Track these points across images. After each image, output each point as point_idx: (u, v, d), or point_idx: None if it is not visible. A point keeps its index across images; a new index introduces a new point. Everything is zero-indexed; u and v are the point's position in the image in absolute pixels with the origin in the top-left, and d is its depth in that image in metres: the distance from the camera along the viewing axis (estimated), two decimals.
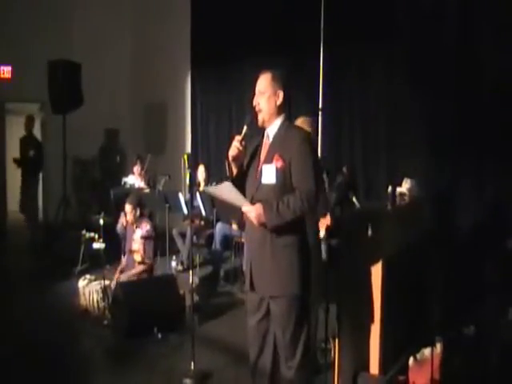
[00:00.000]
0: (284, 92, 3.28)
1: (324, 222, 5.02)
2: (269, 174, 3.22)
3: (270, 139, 3.31)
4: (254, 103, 3.32)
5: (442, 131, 6.38)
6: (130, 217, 6.22)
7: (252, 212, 3.16)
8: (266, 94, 3.28)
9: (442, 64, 6.32)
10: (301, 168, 3.12)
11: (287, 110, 3.34)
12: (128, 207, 6.21)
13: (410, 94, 6.70)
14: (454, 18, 6.34)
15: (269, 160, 3.23)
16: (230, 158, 3.29)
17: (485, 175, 6.11)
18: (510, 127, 5.75)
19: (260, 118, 3.31)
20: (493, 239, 5.59)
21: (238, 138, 3.26)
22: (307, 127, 4.33)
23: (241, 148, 3.25)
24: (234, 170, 3.34)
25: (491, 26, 6.03)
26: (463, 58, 6.24)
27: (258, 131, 3.41)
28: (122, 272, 6.21)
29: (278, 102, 3.27)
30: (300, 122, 4.44)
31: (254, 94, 3.34)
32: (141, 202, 6.42)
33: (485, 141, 5.98)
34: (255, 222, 3.16)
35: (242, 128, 3.29)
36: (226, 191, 3.29)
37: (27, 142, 9.22)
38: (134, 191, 7.80)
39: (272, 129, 3.31)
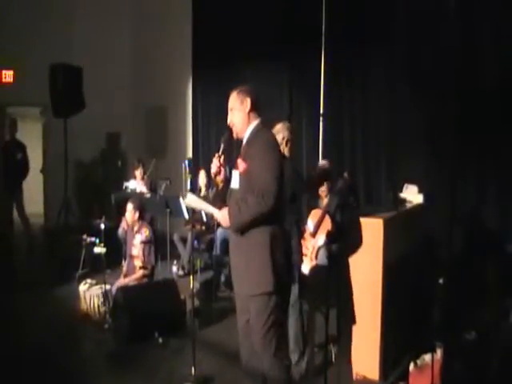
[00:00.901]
0: (251, 99, 3.41)
1: (315, 214, 5.04)
2: (235, 179, 3.37)
3: (244, 145, 3.44)
4: (229, 121, 3.50)
5: (443, 136, 6.38)
6: (129, 215, 6.22)
7: (219, 217, 3.34)
8: (235, 108, 3.45)
9: (442, 68, 6.32)
10: (259, 170, 3.17)
11: (258, 114, 3.45)
12: (129, 206, 6.23)
13: (411, 99, 6.71)
14: (455, 21, 6.34)
15: (237, 166, 3.37)
16: (212, 175, 3.49)
17: (485, 179, 6.11)
18: (510, 130, 5.76)
19: (234, 132, 3.48)
20: (493, 244, 5.60)
21: (217, 155, 3.45)
22: (287, 132, 4.43)
23: (218, 164, 3.44)
24: (220, 185, 3.52)
25: (492, 29, 6.05)
26: (464, 62, 6.24)
27: (238, 145, 3.53)
28: (125, 277, 6.22)
29: (247, 109, 3.40)
30: (279, 127, 4.51)
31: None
32: (142, 206, 6.43)
33: (486, 144, 5.98)
34: (224, 225, 3.34)
35: (220, 146, 3.47)
36: (194, 202, 3.58)
37: (13, 145, 9.21)
38: (136, 195, 7.80)
39: (246, 136, 3.44)
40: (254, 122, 3.41)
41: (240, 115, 3.42)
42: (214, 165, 3.44)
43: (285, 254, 3.34)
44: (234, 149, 3.51)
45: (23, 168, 9.24)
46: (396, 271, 4.32)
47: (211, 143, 10.06)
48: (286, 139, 4.48)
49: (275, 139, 3.36)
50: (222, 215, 3.30)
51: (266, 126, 3.48)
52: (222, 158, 3.44)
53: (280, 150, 3.34)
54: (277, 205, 3.11)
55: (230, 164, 3.52)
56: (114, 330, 5.53)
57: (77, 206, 10.40)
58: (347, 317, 4.30)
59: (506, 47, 5.92)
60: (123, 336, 5.38)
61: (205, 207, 3.57)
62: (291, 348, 4.50)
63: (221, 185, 3.47)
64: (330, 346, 4.51)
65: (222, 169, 3.44)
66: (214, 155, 3.46)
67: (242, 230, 3.25)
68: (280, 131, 4.47)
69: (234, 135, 3.48)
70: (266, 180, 3.11)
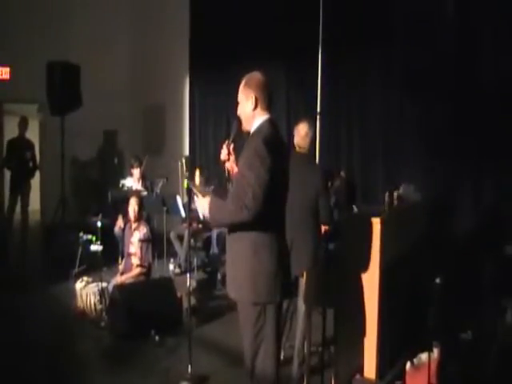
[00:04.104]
0: (257, 95, 3.22)
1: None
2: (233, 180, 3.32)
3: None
4: (238, 113, 3.34)
5: (440, 135, 6.39)
6: (132, 210, 6.19)
7: (200, 203, 3.28)
8: (241, 102, 3.29)
9: (439, 68, 6.34)
10: (244, 181, 3.04)
11: (267, 110, 3.26)
12: (133, 201, 6.22)
13: (409, 98, 6.72)
14: (452, 22, 6.36)
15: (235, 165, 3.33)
16: (222, 162, 3.40)
17: (483, 180, 6.12)
18: (508, 131, 5.76)
19: (243, 125, 3.34)
20: (491, 244, 5.60)
21: (227, 142, 3.36)
22: (310, 131, 4.47)
23: (227, 151, 3.35)
24: (230, 172, 3.42)
25: (490, 30, 6.06)
26: (461, 63, 6.26)
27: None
28: (121, 275, 6.21)
29: (252, 107, 3.22)
30: (302, 126, 4.55)
31: None
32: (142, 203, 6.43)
33: (483, 145, 5.99)
34: (201, 213, 3.35)
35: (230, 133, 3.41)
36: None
37: (22, 143, 9.17)
38: (134, 193, 7.78)
39: (251, 131, 3.30)
40: (260, 119, 3.24)
41: (245, 111, 3.26)
42: (223, 152, 3.35)
43: (277, 270, 3.16)
44: (244, 137, 3.41)
45: (32, 167, 9.22)
46: (393, 270, 4.31)
47: (208, 141, 10.08)
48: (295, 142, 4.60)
49: (271, 144, 3.11)
50: (202, 203, 3.23)
51: (273, 123, 3.28)
52: (232, 145, 3.35)
53: (273, 157, 3.06)
54: (254, 219, 2.97)
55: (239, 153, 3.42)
56: (111, 328, 5.53)
57: (73, 204, 10.36)
58: (351, 318, 4.28)
59: (504, 48, 5.93)
60: (120, 334, 5.38)
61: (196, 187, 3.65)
62: (297, 350, 4.50)
63: (231, 171, 3.41)
64: (326, 347, 4.51)
65: (231, 156, 3.35)
66: (224, 142, 3.37)
67: (219, 227, 3.25)
68: None
69: (243, 128, 3.34)
70: (246, 194, 2.97)
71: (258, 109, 3.24)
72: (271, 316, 3.19)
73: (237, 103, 3.32)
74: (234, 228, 3.14)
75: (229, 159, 3.36)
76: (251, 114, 3.25)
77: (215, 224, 3.25)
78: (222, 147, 3.37)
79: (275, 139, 3.22)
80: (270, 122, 3.27)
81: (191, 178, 7.98)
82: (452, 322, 4.62)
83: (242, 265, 3.16)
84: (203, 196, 3.31)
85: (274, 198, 3.08)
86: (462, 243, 6.02)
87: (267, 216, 3.04)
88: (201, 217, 7.40)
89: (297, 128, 4.62)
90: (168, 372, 4.68)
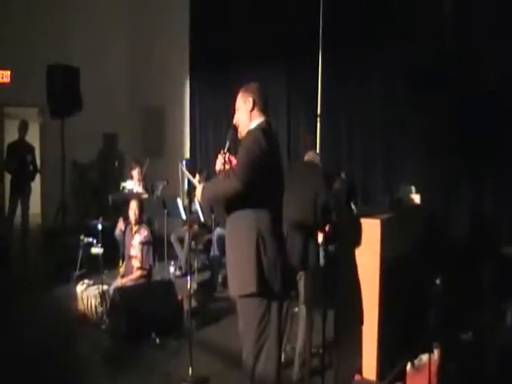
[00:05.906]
0: (254, 97, 3.38)
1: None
2: None
3: None
4: (234, 121, 3.49)
5: (440, 138, 6.40)
6: (132, 213, 6.18)
7: (199, 189, 3.41)
8: (240, 108, 3.43)
9: (440, 71, 6.34)
10: (238, 157, 3.21)
11: (264, 113, 3.41)
12: (133, 204, 6.21)
13: (409, 100, 6.72)
14: (452, 22, 6.37)
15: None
16: (217, 172, 3.47)
17: (482, 182, 6.12)
18: (506, 135, 5.77)
19: (239, 131, 3.45)
20: (490, 245, 5.61)
21: (222, 151, 3.44)
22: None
23: (223, 161, 3.43)
24: None
25: (489, 31, 6.07)
26: (462, 64, 6.26)
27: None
28: (122, 277, 6.20)
29: (249, 109, 3.38)
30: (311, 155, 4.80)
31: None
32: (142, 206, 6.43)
33: (482, 148, 5.99)
34: (199, 199, 3.42)
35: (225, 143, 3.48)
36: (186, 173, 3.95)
37: (22, 146, 9.17)
38: (134, 196, 7.78)
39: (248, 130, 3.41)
40: (256, 121, 3.37)
41: (243, 114, 3.40)
42: (219, 161, 3.43)
43: (277, 258, 3.23)
44: (238, 146, 3.48)
45: (33, 170, 9.23)
46: (393, 272, 4.31)
47: (208, 143, 10.09)
48: None
49: (267, 139, 3.24)
50: (201, 188, 3.39)
51: (270, 124, 3.42)
52: (227, 155, 3.42)
53: (268, 150, 3.21)
54: (245, 187, 3.06)
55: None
56: (111, 331, 5.52)
57: (74, 207, 10.37)
58: (350, 319, 4.28)
59: (504, 48, 5.94)
60: (120, 336, 5.38)
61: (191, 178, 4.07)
62: (298, 352, 4.50)
63: None
64: (327, 348, 4.51)
65: (227, 166, 3.41)
66: (220, 152, 3.44)
67: (210, 203, 3.38)
68: None
69: (239, 135, 3.45)
70: (239, 165, 3.15)
71: (255, 110, 3.38)
72: (275, 313, 3.24)
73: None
74: (232, 205, 3.22)
75: (224, 169, 3.41)
76: (248, 116, 3.38)
77: (208, 199, 3.31)
78: (217, 157, 3.45)
79: (271, 136, 3.36)
80: (268, 123, 3.41)
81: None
82: (452, 323, 4.62)
83: (246, 255, 3.18)
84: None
85: (272, 183, 3.24)
86: (462, 244, 6.02)
87: (266, 200, 3.20)
88: (201, 219, 7.43)
89: None
90: (169, 375, 4.68)
